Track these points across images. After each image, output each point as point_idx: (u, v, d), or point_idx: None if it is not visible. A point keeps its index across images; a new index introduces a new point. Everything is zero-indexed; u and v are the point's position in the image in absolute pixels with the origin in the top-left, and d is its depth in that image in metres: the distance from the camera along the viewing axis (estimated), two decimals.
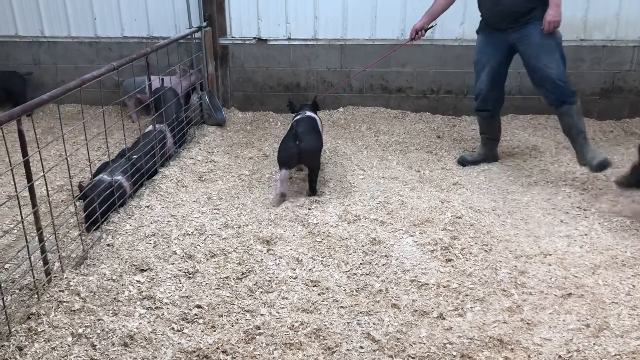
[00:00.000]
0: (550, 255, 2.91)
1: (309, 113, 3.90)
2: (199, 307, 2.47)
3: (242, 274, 2.72)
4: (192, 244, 2.98)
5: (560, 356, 2.17)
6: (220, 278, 2.68)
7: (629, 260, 2.84)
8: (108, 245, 2.95)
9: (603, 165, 3.56)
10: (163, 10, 5.24)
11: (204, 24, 4.98)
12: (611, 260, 2.85)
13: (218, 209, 3.39)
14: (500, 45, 3.87)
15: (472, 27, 4.90)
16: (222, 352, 2.21)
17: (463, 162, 4.19)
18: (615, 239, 3.06)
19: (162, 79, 4.56)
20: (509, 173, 4.02)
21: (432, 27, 4.11)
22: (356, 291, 2.61)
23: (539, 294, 2.58)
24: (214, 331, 2.33)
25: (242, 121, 5.22)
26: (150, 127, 4.02)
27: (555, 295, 2.57)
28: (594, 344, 2.24)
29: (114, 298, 2.52)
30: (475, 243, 3.02)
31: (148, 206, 3.39)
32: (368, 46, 5.14)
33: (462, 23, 4.97)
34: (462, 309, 2.48)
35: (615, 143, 4.62)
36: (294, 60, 5.26)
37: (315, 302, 2.51)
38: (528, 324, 2.37)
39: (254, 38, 5.23)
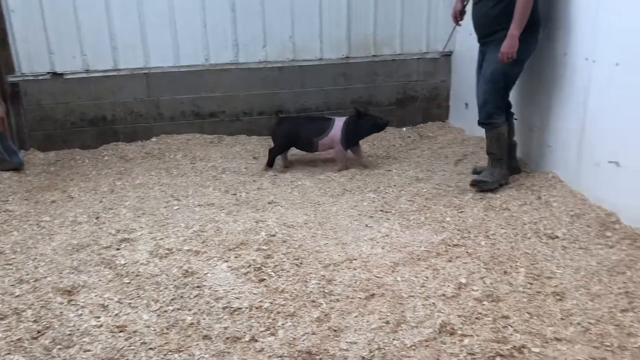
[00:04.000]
0: (355, 259, 3.07)
1: (335, 117, 4.56)
2: None
3: (38, 332, 2.48)
4: None
5: (363, 357, 2.29)
6: (11, 341, 2.41)
7: (423, 254, 3.11)
8: None
9: (471, 183, 3.95)
10: None
11: None
12: (408, 256, 3.09)
13: (11, 264, 3.07)
14: (481, 56, 4.02)
15: (274, 50, 5.13)
16: None
17: (473, 171, 4.31)
18: (412, 236, 3.33)
19: None
20: (320, 185, 4.20)
21: (467, 2, 4.13)
22: (167, 329, 2.51)
23: (346, 299, 2.71)
24: None
25: (43, 162, 4.81)
26: None
27: (359, 297, 2.71)
28: (393, 339, 2.40)
29: None
30: (288, 259, 3.09)
31: None
32: (174, 73, 5.06)
33: (265, 46, 5.12)
34: (273, 327, 2.51)
35: (414, 147, 5.06)
36: (95, 93, 4.99)
37: (122, 348, 2.37)
38: (335, 330, 2.47)
39: (48, 73, 4.87)
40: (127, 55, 4.93)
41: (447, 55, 5.46)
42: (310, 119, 4.72)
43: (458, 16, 4.18)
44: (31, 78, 4.86)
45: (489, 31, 3.80)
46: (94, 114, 5.06)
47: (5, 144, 4.55)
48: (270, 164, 4.55)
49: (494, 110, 3.87)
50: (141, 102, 5.09)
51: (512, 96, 4.05)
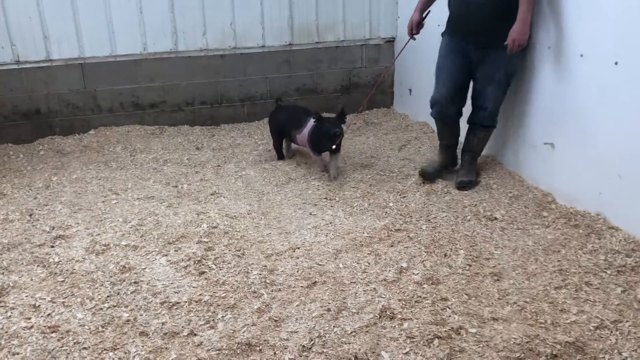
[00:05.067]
0: (298, 248, 3.05)
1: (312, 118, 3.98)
2: None
3: None
4: None
5: (303, 346, 2.27)
6: None
7: (365, 240, 3.11)
8: None
9: (460, 186, 3.69)
10: None
11: None
12: (351, 243, 3.09)
13: None
14: (463, 56, 3.60)
15: (215, 37, 5.02)
16: None
17: (425, 175, 3.82)
18: (355, 222, 3.33)
19: None
20: (265, 175, 4.15)
21: (427, 13, 3.76)
22: (102, 327, 2.43)
23: (287, 288, 2.68)
24: None
25: None
26: None
27: (301, 286, 2.69)
28: (333, 326, 2.39)
29: None
30: (229, 250, 3.04)
31: None
32: (111, 63, 4.88)
33: (205, 34, 5.00)
34: (213, 320, 2.46)
35: (359, 134, 5.07)
36: (28, 85, 4.76)
37: (53, 349, 2.28)
38: (276, 321, 2.45)
39: None
40: (60, 45, 4.72)
41: (390, 41, 5.48)
42: (298, 111, 4.24)
43: (414, 29, 3.77)
44: None
45: (490, 30, 3.39)
46: (27, 106, 4.83)
47: None
48: (279, 157, 4.40)
49: (498, 112, 3.72)
50: (77, 94, 4.90)
51: None
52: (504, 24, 3.33)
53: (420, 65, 4.67)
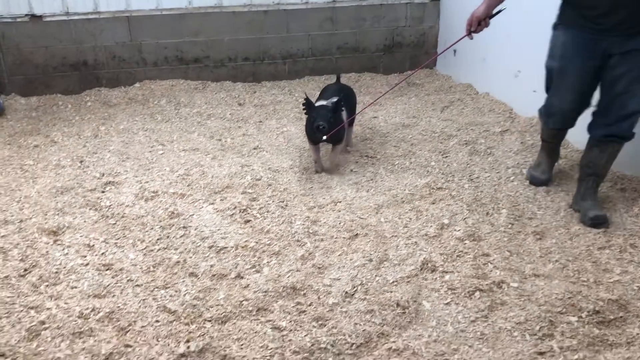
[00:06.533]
0: (340, 202, 3.10)
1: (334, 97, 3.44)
2: None
3: (25, 270, 2.50)
4: None
5: (346, 292, 2.34)
6: None
7: (407, 197, 3.14)
8: None
9: (596, 222, 2.82)
10: None
11: None
12: (392, 199, 3.12)
13: None
14: (596, 54, 2.76)
15: None
16: (0, 355, 2.02)
17: (538, 183, 3.25)
18: (396, 180, 3.36)
19: None
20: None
21: (500, 11, 2.90)
22: (153, 267, 2.54)
23: (330, 238, 2.75)
24: None
25: (25, 108, 4.72)
26: None
27: (344, 237, 2.75)
28: (375, 275, 2.45)
29: None
30: (273, 201, 3.11)
31: None
32: (156, 17, 4.93)
33: None
34: (259, 265, 2.55)
35: (400, 94, 5.03)
36: (76, 37, 4.86)
37: (108, 285, 2.40)
38: (319, 268, 2.51)
39: (26, 15, 4.72)
40: None
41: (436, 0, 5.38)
42: (330, 91, 3.69)
43: (474, 25, 2.95)
44: (9, 20, 4.71)
45: None
46: (75, 58, 4.94)
47: None
48: None
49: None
50: (123, 47, 4.98)
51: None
52: None
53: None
